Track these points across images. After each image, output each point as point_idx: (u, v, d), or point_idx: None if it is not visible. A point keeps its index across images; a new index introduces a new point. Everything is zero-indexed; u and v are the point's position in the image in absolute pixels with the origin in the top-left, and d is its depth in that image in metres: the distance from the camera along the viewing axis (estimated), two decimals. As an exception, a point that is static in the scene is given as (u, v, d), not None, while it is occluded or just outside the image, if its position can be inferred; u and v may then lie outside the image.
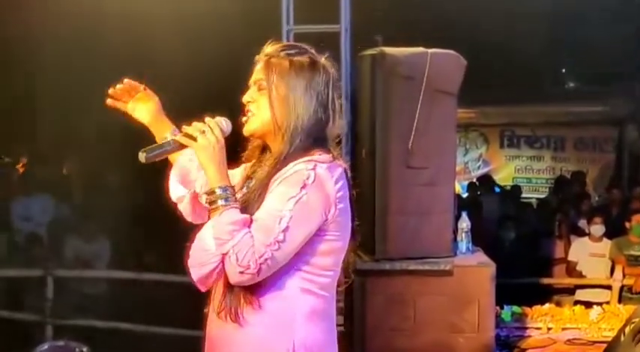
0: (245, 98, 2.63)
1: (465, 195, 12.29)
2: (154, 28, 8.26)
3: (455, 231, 5.93)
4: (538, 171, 14.94)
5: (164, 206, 2.70)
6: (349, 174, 2.63)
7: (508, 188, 13.19)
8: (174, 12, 8.29)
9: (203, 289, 2.50)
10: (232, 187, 2.48)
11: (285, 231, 2.40)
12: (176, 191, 2.78)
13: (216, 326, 2.59)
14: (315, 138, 2.55)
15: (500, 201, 11.35)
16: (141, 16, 8.09)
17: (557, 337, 6.92)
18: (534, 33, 10.82)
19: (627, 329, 5.95)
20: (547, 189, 14.11)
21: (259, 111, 2.59)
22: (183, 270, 2.61)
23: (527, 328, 6.97)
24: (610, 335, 6.78)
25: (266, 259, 2.38)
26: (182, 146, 2.56)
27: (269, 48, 2.63)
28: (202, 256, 2.42)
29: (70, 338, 7.90)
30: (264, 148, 2.68)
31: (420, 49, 5.67)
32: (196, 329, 2.74)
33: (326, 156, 2.52)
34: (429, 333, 5.65)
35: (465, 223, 6.01)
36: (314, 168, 2.47)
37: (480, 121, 14.21)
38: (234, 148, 2.72)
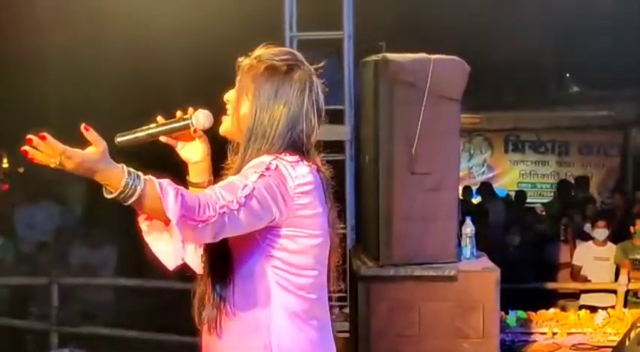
0: (225, 96, 2.64)
1: (475, 201, 12.33)
2: (157, 34, 8.28)
3: (459, 237, 5.92)
4: (543, 176, 14.94)
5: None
6: (325, 176, 2.61)
7: (512, 193, 13.19)
8: (177, 18, 8.31)
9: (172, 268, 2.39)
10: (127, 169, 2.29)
11: (247, 196, 2.34)
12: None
13: (205, 338, 2.63)
14: (282, 145, 2.53)
15: (505, 206, 11.34)
16: (144, 22, 8.12)
17: (563, 342, 6.90)
18: (538, 38, 10.82)
19: (633, 334, 5.95)
20: (552, 194, 14.13)
21: (232, 113, 2.60)
22: (189, 277, 2.61)
23: (532, 333, 6.96)
24: (615, 339, 6.77)
25: (224, 212, 2.29)
26: (154, 136, 2.57)
27: (260, 50, 2.62)
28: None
29: (75, 346, 7.93)
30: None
31: (423, 55, 5.67)
32: (200, 337, 2.75)
33: (290, 157, 2.51)
34: (433, 339, 5.64)
35: (469, 228, 6.00)
36: (275, 159, 2.46)
37: (484, 126, 14.23)
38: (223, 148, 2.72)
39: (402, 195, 5.64)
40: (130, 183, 2.24)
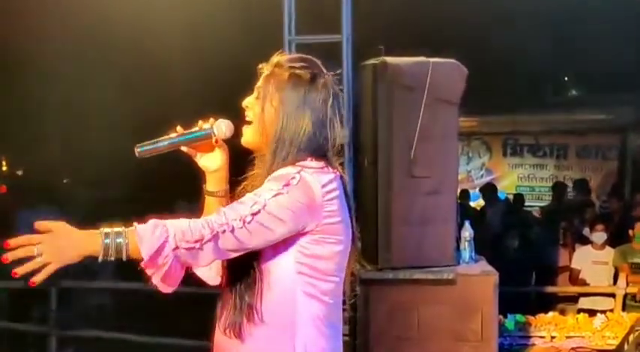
0: (244, 102, 2.62)
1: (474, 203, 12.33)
2: (158, 38, 8.29)
3: (458, 240, 5.93)
4: (541, 180, 14.94)
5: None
6: (346, 182, 2.64)
7: (511, 196, 13.19)
8: (177, 21, 8.32)
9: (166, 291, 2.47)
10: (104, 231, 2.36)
11: (255, 214, 2.37)
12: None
13: (222, 341, 2.60)
14: (308, 153, 2.54)
15: (504, 210, 11.35)
16: (145, 26, 8.12)
17: (561, 345, 6.92)
18: (537, 41, 10.84)
19: (631, 337, 5.96)
20: (550, 198, 14.14)
21: (255, 122, 2.59)
22: (188, 281, 2.62)
23: (530, 337, 6.97)
24: (614, 343, 6.79)
25: (224, 230, 2.34)
26: (175, 145, 2.57)
27: (278, 57, 2.62)
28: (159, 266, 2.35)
29: (74, 349, 7.93)
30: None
31: (422, 59, 5.68)
32: (201, 340, 2.75)
33: (316, 163, 2.52)
34: (432, 342, 5.64)
35: (467, 232, 6.01)
36: (299, 172, 2.46)
37: (483, 130, 14.24)
38: (242, 155, 2.72)
39: (401, 199, 5.65)
40: (110, 242, 2.30)
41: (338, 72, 2.69)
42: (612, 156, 14.61)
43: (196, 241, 2.31)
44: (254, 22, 7.75)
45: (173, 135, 2.59)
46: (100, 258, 2.29)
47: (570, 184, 13.25)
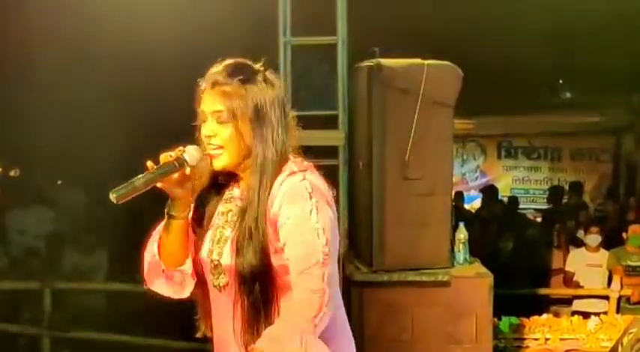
0: (205, 133, 2.53)
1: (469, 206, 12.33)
2: (150, 38, 8.27)
3: (452, 242, 5.93)
4: (535, 182, 14.95)
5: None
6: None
7: (505, 199, 13.18)
8: (171, 24, 8.31)
9: None
10: None
11: (327, 243, 2.42)
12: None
13: None
14: (287, 152, 2.55)
15: (498, 212, 11.34)
16: (140, 29, 8.11)
17: (555, 347, 6.92)
18: (531, 43, 10.84)
19: (625, 340, 5.95)
20: (544, 200, 14.14)
21: (228, 146, 2.52)
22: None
23: (525, 339, 6.98)
24: (608, 345, 6.79)
25: (327, 276, 2.40)
26: (151, 182, 2.48)
27: (215, 74, 2.54)
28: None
29: (67, 351, 7.90)
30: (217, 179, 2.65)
31: (417, 61, 5.68)
32: (193, 342, 2.75)
33: (299, 162, 2.54)
34: (426, 344, 5.64)
35: (462, 234, 6.01)
36: (304, 178, 2.48)
37: (478, 132, 14.22)
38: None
39: (395, 201, 5.65)
40: None
41: (262, 61, 2.65)
42: (606, 158, 14.63)
43: (316, 314, 2.37)
44: (249, 24, 7.74)
45: (146, 173, 2.48)
46: None
47: (565, 186, 13.26)
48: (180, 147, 2.55)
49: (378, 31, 7.89)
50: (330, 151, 6.60)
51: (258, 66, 2.59)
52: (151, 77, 8.86)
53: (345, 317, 2.70)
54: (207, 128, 2.53)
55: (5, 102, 10.15)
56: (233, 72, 2.53)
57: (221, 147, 2.53)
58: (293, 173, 2.49)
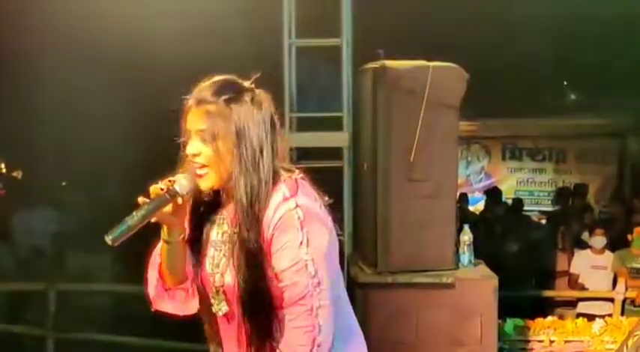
0: (190, 151, 2.50)
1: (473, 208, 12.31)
2: (155, 38, 8.28)
3: (457, 244, 5.93)
4: (540, 184, 14.92)
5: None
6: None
7: (510, 201, 13.17)
8: (176, 25, 8.31)
9: None
10: None
11: (315, 275, 2.43)
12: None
13: None
14: (271, 172, 2.49)
15: (503, 214, 11.33)
16: (144, 30, 8.11)
17: (560, 350, 6.91)
18: (536, 45, 10.83)
19: (630, 342, 5.93)
20: (549, 202, 14.10)
21: (212, 165, 2.49)
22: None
23: (529, 341, 6.96)
24: (613, 347, 6.77)
25: (320, 306, 2.43)
26: (146, 219, 2.45)
27: (201, 92, 2.50)
28: None
29: (72, 352, 7.90)
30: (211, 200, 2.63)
31: (422, 63, 5.68)
32: (198, 343, 2.75)
33: (290, 183, 2.50)
34: (431, 346, 5.63)
35: (467, 236, 6.00)
36: (296, 206, 2.45)
37: (482, 134, 14.22)
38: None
39: (400, 202, 5.65)
40: None
41: (256, 76, 2.62)
42: (611, 160, 14.60)
43: (312, 348, 2.43)
44: (254, 26, 7.74)
45: (139, 210, 2.45)
46: None
47: (571, 188, 13.23)
48: (170, 178, 2.52)
49: (382, 32, 7.89)
50: (335, 153, 6.61)
51: (247, 84, 2.55)
52: (156, 79, 8.86)
53: (353, 320, 2.75)
54: (192, 146, 2.49)
55: (9, 103, 10.17)
56: (219, 90, 2.48)
57: (205, 166, 2.50)
58: (285, 199, 2.46)
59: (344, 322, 2.66)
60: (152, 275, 2.72)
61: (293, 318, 2.44)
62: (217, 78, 2.55)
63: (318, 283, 2.43)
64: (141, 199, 2.47)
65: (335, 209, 2.61)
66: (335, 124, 6.69)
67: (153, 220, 2.49)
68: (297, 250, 2.42)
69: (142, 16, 7.99)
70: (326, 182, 2.64)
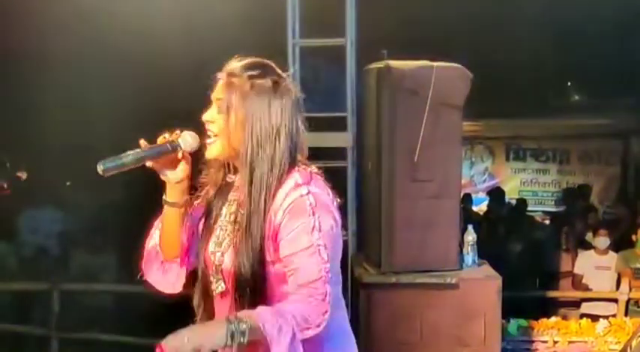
0: (205, 117, 2.57)
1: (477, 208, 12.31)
2: (160, 39, 8.28)
3: (461, 244, 5.92)
4: (544, 185, 14.92)
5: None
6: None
7: (513, 201, 13.16)
8: (179, 26, 8.32)
9: None
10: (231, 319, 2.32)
11: (327, 261, 2.42)
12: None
13: None
14: (289, 161, 2.52)
15: (506, 214, 11.33)
16: (148, 31, 8.12)
17: (564, 350, 6.91)
18: (540, 46, 10.83)
19: (634, 343, 5.93)
20: (553, 202, 14.10)
21: (221, 136, 2.54)
22: (190, 284, 2.62)
23: (533, 341, 6.96)
24: (616, 348, 6.77)
25: (329, 293, 2.41)
26: (141, 161, 2.50)
27: (232, 65, 2.57)
28: None
29: (76, 352, 7.90)
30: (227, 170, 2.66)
31: (426, 63, 5.68)
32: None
33: (304, 173, 2.52)
34: (435, 346, 5.63)
35: (471, 236, 6.00)
36: (308, 192, 2.47)
37: (486, 134, 14.21)
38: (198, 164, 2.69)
39: (404, 203, 5.65)
40: (234, 332, 2.29)
41: (290, 72, 2.66)
42: (614, 161, 14.60)
43: (317, 325, 2.38)
44: (258, 25, 7.74)
45: (138, 150, 2.51)
46: (228, 342, 2.29)
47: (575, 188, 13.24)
48: (177, 131, 2.58)
49: (387, 32, 7.90)
50: (339, 153, 6.61)
51: (279, 71, 2.58)
52: (161, 78, 8.87)
53: (345, 318, 2.70)
54: (208, 114, 2.57)
55: (13, 103, 10.18)
56: (248, 67, 2.54)
57: (215, 136, 2.56)
58: (297, 185, 2.48)
59: (342, 325, 2.67)
60: (152, 240, 2.75)
61: (308, 293, 2.39)
62: (254, 58, 2.60)
63: (329, 269, 2.43)
64: (142, 142, 2.53)
65: (340, 209, 2.61)
66: (339, 124, 6.69)
67: (148, 165, 2.54)
68: (309, 235, 2.43)
69: (148, 15, 8.00)
70: (330, 182, 2.64)
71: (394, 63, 5.68)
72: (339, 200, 2.59)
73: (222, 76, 2.56)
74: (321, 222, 2.44)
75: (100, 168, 2.44)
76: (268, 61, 2.61)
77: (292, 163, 2.53)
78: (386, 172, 5.66)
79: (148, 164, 2.54)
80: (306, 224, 2.43)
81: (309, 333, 2.35)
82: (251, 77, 2.51)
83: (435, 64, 5.64)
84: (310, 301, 2.38)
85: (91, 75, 9.44)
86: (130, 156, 2.47)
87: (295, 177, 2.50)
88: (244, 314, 2.32)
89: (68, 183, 10.96)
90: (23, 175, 11.84)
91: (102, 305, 8.57)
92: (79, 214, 9.57)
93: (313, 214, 2.44)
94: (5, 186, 11.47)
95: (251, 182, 2.49)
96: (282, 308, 2.35)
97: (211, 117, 2.55)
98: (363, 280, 5.69)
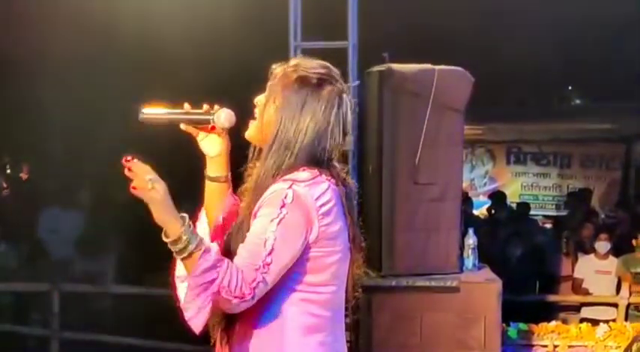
0: (255, 99, 2.63)
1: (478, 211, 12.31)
2: (163, 45, 8.30)
3: (461, 248, 5.92)
4: (545, 188, 14.92)
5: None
6: (350, 189, 2.62)
7: (514, 205, 13.16)
8: (183, 28, 8.33)
9: (198, 332, 2.44)
10: (190, 223, 2.38)
11: (271, 253, 2.38)
12: None
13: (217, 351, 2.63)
14: (302, 161, 2.51)
15: (507, 218, 11.33)
16: (151, 33, 8.13)
17: (564, 354, 6.90)
18: (541, 50, 10.84)
19: (634, 347, 5.95)
20: (553, 206, 14.09)
21: (259, 120, 2.60)
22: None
23: (533, 345, 6.95)
24: (617, 352, 6.77)
25: (258, 282, 2.36)
26: (176, 121, 2.62)
27: (297, 59, 2.63)
28: (196, 303, 2.36)
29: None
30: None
31: (428, 66, 5.68)
32: (201, 345, 2.74)
33: (307, 174, 2.48)
34: (435, 350, 5.63)
35: (471, 239, 6.00)
36: (291, 187, 2.43)
37: (487, 138, 14.20)
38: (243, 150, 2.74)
39: (405, 205, 5.65)
40: (185, 238, 2.33)
41: (356, 83, 2.69)
42: (616, 165, 14.60)
43: (235, 297, 2.34)
44: (260, 27, 7.76)
45: (177, 110, 2.63)
46: (167, 241, 2.35)
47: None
48: (217, 106, 2.64)
49: (389, 35, 7.91)
50: (340, 156, 6.60)
51: (334, 75, 2.60)
52: (164, 78, 8.88)
53: (325, 344, 2.58)
54: (258, 96, 2.62)
55: (14, 103, 10.19)
56: (305, 65, 2.57)
57: (254, 119, 2.61)
58: (285, 181, 2.46)
59: (340, 345, 2.65)
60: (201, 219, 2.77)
61: (239, 265, 2.37)
62: (318, 60, 2.63)
63: (271, 262, 2.38)
64: (187, 105, 2.63)
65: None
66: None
67: (182, 127, 2.64)
68: (268, 224, 2.40)
69: (151, 17, 8.01)
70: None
71: (396, 66, 5.68)
72: (349, 215, 2.58)
73: (282, 67, 2.60)
74: (286, 217, 2.40)
75: (141, 113, 2.60)
76: (333, 68, 2.62)
77: (312, 164, 2.51)
78: (387, 175, 5.66)
79: (183, 127, 2.64)
80: (271, 214, 2.41)
81: (222, 295, 2.32)
82: (302, 70, 2.55)
83: (437, 67, 5.64)
84: (239, 275, 2.35)
85: (91, 75, 9.44)
86: (167, 114, 2.63)
87: (294, 174, 2.49)
88: (199, 239, 2.35)
89: (70, 184, 10.96)
90: (24, 174, 11.85)
91: (102, 306, 8.57)
92: (79, 214, 9.57)
93: (282, 207, 2.41)
94: (5, 186, 11.48)
95: (264, 168, 2.53)
96: (225, 265, 2.34)
97: (257, 99, 2.61)
98: (364, 283, 5.66)
